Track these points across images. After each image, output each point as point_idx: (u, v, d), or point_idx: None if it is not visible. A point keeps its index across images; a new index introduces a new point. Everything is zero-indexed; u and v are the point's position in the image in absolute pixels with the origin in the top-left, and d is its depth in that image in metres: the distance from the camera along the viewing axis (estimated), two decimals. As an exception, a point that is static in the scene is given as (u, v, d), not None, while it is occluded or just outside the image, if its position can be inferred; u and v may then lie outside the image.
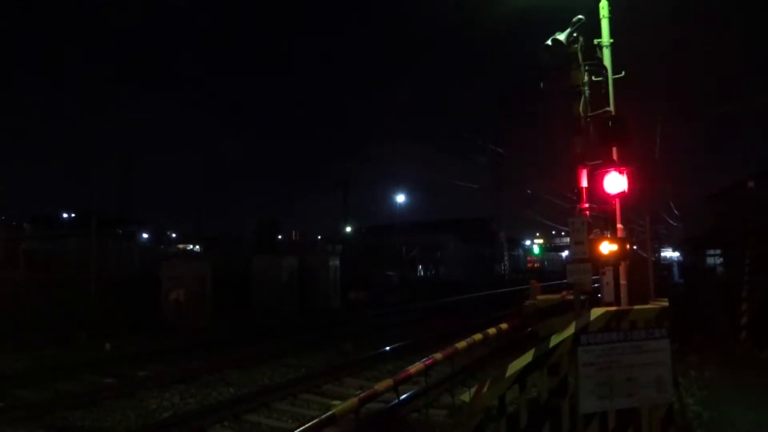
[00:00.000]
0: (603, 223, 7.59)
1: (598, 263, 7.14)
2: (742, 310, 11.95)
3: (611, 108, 7.92)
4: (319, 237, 40.92)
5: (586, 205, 7.80)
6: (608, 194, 7.45)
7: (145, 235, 44.39)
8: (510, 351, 12.66)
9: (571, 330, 4.55)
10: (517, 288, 33.11)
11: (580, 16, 7.78)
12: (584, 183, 7.82)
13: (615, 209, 7.80)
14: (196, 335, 15.74)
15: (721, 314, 13.96)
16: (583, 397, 4.48)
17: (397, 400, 7.48)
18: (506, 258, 48.36)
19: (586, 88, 7.74)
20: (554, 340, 4.52)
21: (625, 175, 7.37)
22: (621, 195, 7.50)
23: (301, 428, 4.63)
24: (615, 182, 7.37)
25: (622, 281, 7.88)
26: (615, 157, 7.70)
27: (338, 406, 5.00)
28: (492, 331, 8.73)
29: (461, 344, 8.18)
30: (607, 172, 7.41)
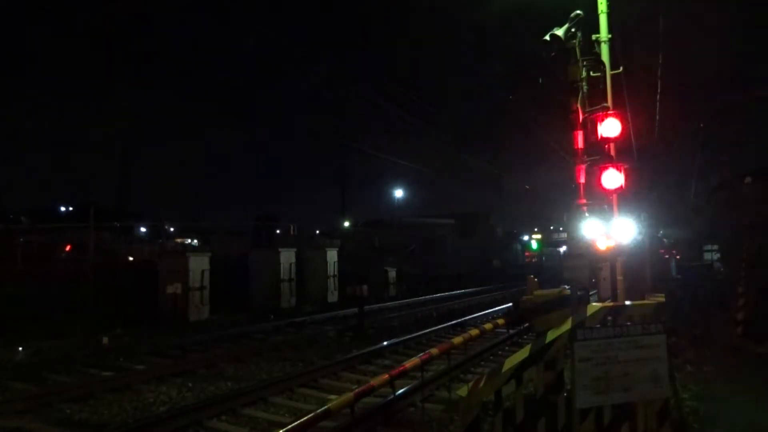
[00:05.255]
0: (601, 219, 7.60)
1: (595, 259, 7.15)
2: (738, 305, 11.97)
3: (609, 103, 7.92)
4: (318, 231, 40.88)
5: (584, 201, 7.80)
6: (606, 190, 7.45)
7: (143, 229, 44.32)
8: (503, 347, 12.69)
9: (567, 325, 4.55)
10: (515, 283, 33.17)
11: (578, 12, 7.76)
12: (582, 179, 7.82)
13: (612, 204, 7.80)
14: (193, 329, 15.74)
15: (718, 309, 14.01)
16: (579, 392, 4.49)
17: (393, 395, 7.49)
18: (504, 253, 48.40)
19: (584, 83, 7.72)
20: (551, 335, 4.52)
21: (622, 171, 7.37)
22: (618, 190, 7.50)
23: (296, 422, 4.64)
24: (613, 178, 7.37)
25: (619, 277, 7.89)
26: (612, 153, 7.70)
27: (334, 401, 5.01)
28: (488, 326, 8.75)
29: (457, 339, 8.21)
30: (605, 168, 7.41)
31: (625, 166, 7.47)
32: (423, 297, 26.24)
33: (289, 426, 4.64)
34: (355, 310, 15.98)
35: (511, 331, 13.23)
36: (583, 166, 7.84)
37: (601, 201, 7.78)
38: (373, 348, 12.09)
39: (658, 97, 15.21)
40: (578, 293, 7.25)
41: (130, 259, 23.35)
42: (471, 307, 21.63)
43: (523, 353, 4.46)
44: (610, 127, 7.38)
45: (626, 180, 7.43)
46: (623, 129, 7.44)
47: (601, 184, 7.51)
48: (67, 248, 20.74)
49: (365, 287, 15.65)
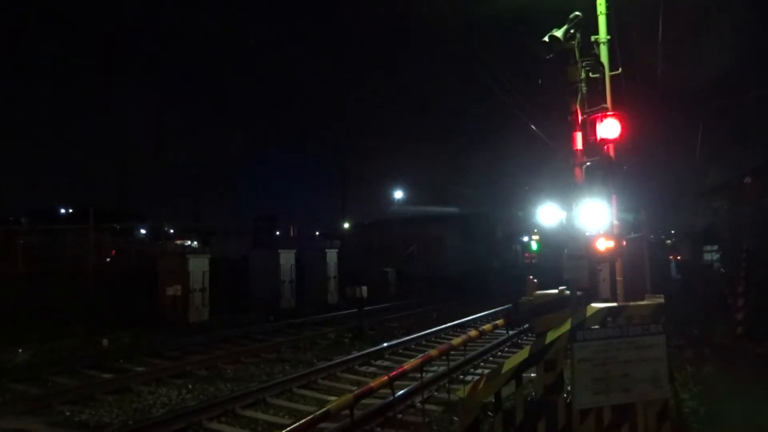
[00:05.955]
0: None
1: (594, 260, 7.14)
2: (738, 306, 11.97)
3: (608, 105, 7.92)
4: (317, 233, 40.94)
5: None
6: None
7: (143, 231, 44.31)
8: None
9: (567, 326, 4.55)
10: (514, 284, 33.12)
11: (577, 13, 7.75)
12: (581, 179, 7.80)
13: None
14: (193, 330, 15.74)
15: (718, 309, 14.00)
16: (578, 393, 4.49)
17: (392, 397, 7.48)
18: (504, 254, 48.48)
19: (583, 84, 7.72)
20: (550, 336, 4.52)
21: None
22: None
23: (295, 424, 4.64)
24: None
25: (618, 277, 7.89)
26: (612, 153, 7.72)
27: (333, 403, 5.01)
28: (488, 327, 8.75)
29: (456, 340, 8.21)
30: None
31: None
32: (422, 298, 26.23)
33: (289, 428, 4.64)
34: (355, 311, 16.00)
35: (511, 332, 13.24)
36: (582, 167, 7.83)
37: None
38: (372, 349, 12.10)
39: (658, 96, 15.22)
40: (578, 294, 7.24)
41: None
42: (470, 307, 21.61)
43: (522, 354, 4.46)
44: (609, 128, 7.37)
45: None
46: (623, 129, 7.44)
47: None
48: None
49: (365, 288, 15.64)
